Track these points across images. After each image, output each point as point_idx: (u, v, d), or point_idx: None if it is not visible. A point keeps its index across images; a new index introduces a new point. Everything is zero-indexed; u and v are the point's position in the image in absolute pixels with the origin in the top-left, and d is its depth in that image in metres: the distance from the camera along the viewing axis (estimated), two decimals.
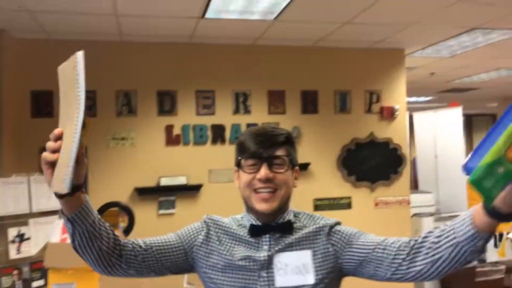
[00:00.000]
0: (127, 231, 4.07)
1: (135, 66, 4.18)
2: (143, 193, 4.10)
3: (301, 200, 4.42)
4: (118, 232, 2.95)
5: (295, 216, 1.35)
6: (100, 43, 4.08)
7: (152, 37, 4.10)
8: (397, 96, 4.82)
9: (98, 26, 3.74)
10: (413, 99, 8.78)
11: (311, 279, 1.24)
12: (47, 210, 3.62)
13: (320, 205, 4.55)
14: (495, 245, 5.21)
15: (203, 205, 4.26)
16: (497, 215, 1.00)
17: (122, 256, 1.23)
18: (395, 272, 1.20)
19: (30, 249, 3.42)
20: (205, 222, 1.39)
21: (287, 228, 1.30)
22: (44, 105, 3.96)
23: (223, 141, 4.33)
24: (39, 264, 3.42)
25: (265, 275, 1.25)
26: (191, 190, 4.21)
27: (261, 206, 1.26)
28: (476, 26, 4.12)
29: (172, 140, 4.22)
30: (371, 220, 4.58)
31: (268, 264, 1.26)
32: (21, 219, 3.41)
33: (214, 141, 4.31)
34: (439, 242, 1.13)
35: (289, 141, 1.32)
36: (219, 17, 3.59)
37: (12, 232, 3.37)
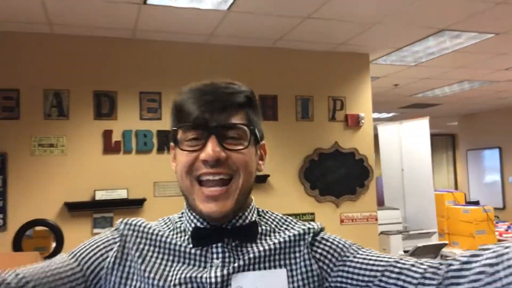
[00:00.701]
0: (54, 254, 3.45)
1: (68, 62, 3.64)
2: (75, 208, 3.51)
3: None
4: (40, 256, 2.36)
5: (259, 216, 0.92)
6: (27, 35, 3.53)
7: (87, 29, 3.58)
8: (362, 103, 4.48)
9: (23, 10, 3.20)
10: (376, 115, 8.58)
11: None
12: None
13: None
14: None
15: None
16: None
17: None
18: None
19: None
20: (118, 230, 0.89)
21: (249, 233, 0.86)
22: None
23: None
24: None
25: None
26: (132, 205, 3.65)
27: (207, 207, 0.81)
28: (444, 27, 3.85)
29: (110, 147, 3.67)
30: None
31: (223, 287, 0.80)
32: None
33: (160, 149, 3.80)
34: (495, 272, 0.69)
35: (250, 102, 0.86)
36: (165, 3, 3.13)
37: None
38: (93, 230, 3.57)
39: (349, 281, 0.83)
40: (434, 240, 4.89)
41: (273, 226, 0.91)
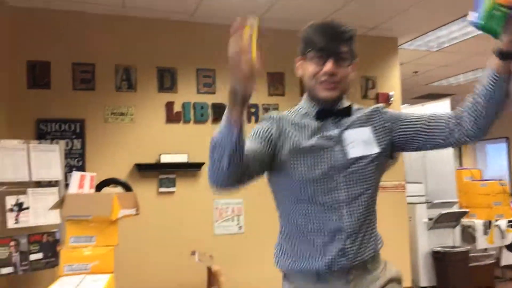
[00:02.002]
0: None
1: (136, 41, 4.09)
2: (143, 169, 3.96)
3: None
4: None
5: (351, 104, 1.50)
6: (101, 16, 3.98)
7: (155, 12, 4.04)
8: (392, 83, 4.93)
9: None
10: None
11: (375, 149, 1.39)
12: (46, 181, 3.43)
13: None
14: (485, 233, 5.32)
15: (204, 184, 4.14)
16: (505, 55, 1.25)
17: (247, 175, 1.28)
18: (447, 137, 1.38)
19: (28, 220, 3.21)
20: (271, 118, 1.45)
21: (347, 112, 1.44)
22: (41, 76, 3.80)
23: None
24: (37, 236, 3.23)
25: (338, 149, 1.38)
26: (192, 168, 4.10)
27: (324, 94, 1.38)
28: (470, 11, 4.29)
29: (172, 117, 4.12)
30: None
31: (339, 140, 1.39)
32: (19, 188, 3.21)
33: (215, 120, 4.24)
34: (474, 100, 1.33)
35: (353, 37, 1.41)
36: None
37: (10, 201, 3.17)
38: (159, 189, 4.01)
39: (407, 129, 1.42)
40: (455, 209, 5.33)
41: (358, 108, 1.49)
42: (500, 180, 5.62)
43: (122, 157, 3.95)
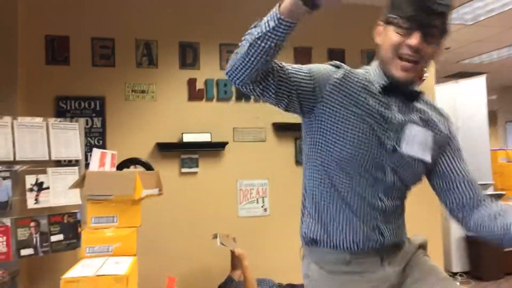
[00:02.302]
0: None
1: (157, 14, 3.91)
2: (165, 149, 3.81)
3: None
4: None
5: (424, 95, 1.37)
6: None
7: None
8: None
9: None
10: None
11: (428, 157, 1.30)
12: (66, 160, 3.32)
13: None
14: None
15: (228, 164, 3.99)
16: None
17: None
18: (453, 208, 1.36)
19: (49, 199, 3.11)
20: (338, 66, 1.33)
21: (415, 96, 1.32)
22: (60, 51, 3.66)
23: (248, 98, 4.08)
24: (58, 217, 3.13)
25: (392, 135, 1.27)
26: (215, 148, 3.93)
27: (398, 74, 1.23)
28: None
29: (195, 94, 3.95)
30: None
31: (399, 128, 1.28)
32: (39, 167, 3.10)
33: (238, 98, 4.06)
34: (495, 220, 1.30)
35: (449, 12, 1.23)
36: None
37: (30, 180, 3.06)
38: (181, 169, 3.86)
39: (444, 166, 1.37)
40: (490, 192, 5.08)
41: (427, 101, 1.38)
42: None
43: (143, 136, 3.80)
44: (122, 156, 3.72)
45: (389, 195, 1.31)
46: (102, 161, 2.49)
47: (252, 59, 1.13)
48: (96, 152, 2.45)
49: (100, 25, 3.75)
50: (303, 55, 4.27)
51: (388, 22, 1.24)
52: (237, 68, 1.18)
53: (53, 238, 3.08)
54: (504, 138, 9.83)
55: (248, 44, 1.14)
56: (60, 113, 3.58)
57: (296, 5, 1.06)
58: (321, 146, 1.30)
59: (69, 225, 3.16)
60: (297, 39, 4.24)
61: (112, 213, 2.33)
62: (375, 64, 1.34)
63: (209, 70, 4.01)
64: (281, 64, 1.23)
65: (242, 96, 4.07)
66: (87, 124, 3.65)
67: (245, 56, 1.15)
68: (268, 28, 1.11)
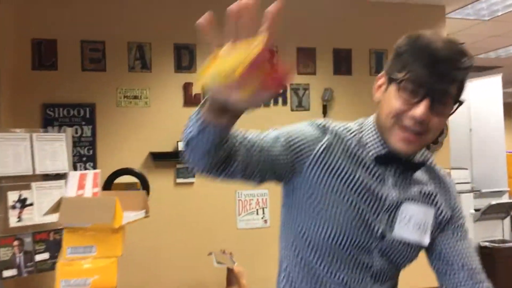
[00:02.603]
0: None
1: (149, 15, 3.68)
2: (159, 158, 3.61)
3: None
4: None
5: (424, 156, 1.12)
6: None
7: None
8: None
9: None
10: None
11: (426, 240, 1.08)
12: (52, 173, 3.14)
13: None
14: None
15: None
16: None
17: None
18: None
19: (33, 217, 2.92)
20: (325, 130, 1.05)
21: (415, 167, 1.08)
22: (47, 55, 3.46)
23: None
24: (43, 234, 2.95)
25: (386, 216, 1.05)
26: None
27: (398, 145, 0.99)
28: None
29: (191, 100, 3.73)
30: None
31: (393, 209, 1.05)
32: (22, 182, 2.92)
33: None
34: None
35: (467, 76, 0.98)
36: None
37: (12, 197, 2.87)
38: (176, 180, 3.67)
39: (440, 246, 1.12)
40: (505, 199, 4.81)
41: (431, 169, 1.12)
42: None
43: (136, 144, 3.61)
44: (114, 166, 3.54)
45: (377, 280, 1.09)
46: (81, 184, 2.30)
47: (195, 152, 0.90)
48: (74, 175, 2.26)
49: (90, 27, 3.54)
50: (307, 57, 4.02)
51: (392, 80, 0.98)
52: (186, 156, 0.94)
53: (38, 257, 2.91)
54: None
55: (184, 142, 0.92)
56: (48, 122, 3.39)
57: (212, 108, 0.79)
58: (297, 224, 1.07)
59: (55, 242, 2.98)
60: (300, 39, 4.00)
61: (90, 242, 2.14)
62: (371, 121, 1.08)
63: None
64: (248, 139, 0.95)
65: None
66: (76, 133, 3.47)
67: (185, 147, 0.92)
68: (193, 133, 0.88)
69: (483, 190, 4.74)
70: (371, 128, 1.06)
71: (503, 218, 4.73)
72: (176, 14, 3.74)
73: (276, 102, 3.92)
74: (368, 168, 1.04)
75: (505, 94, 10.53)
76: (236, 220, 3.80)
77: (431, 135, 0.98)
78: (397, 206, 1.05)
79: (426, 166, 1.11)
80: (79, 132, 3.49)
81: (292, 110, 3.96)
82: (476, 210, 4.60)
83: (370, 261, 1.06)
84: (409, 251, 1.08)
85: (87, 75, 3.53)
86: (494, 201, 4.54)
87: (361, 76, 4.13)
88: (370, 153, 1.04)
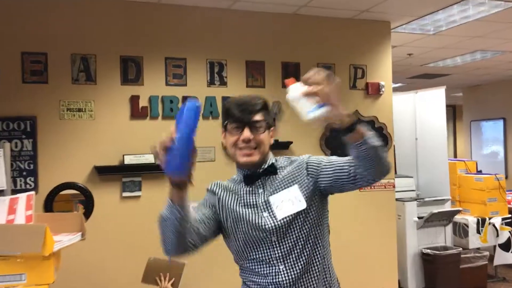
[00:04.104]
0: (85, 216, 3.53)
1: (94, 26, 3.61)
2: (104, 172, 3.56)
3: None
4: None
5: (276, 160, 1.64)
6: None
7: None
8: (383, 71, 4.51)
9: None
10: None
11: (303, 204, 1.52)
12: None
13: None
14: (478, 231, 5.03)
15: None
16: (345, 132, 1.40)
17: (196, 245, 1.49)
18: (355, 179, 1.46)
19: None
20: (209, 189, 1.65)
21: (272, 170, 1.59)
22: None
23: None
24: None
25: (266, 214, 1.53)
26: (159, 170, 3.67)
27: (244, 159, 1.54)
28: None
29: (138, 113, 3.69)
30: (355, 204, 4.25)
31: (266, 206, 1.55)
32: None
33: None
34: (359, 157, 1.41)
35: (265, 107, 1.57)
36: None
37: None
38: (123, 193, 3.63)
39: (325, 179, 1.53)
40: (447, 207, 5.01)
41: (284, 164, 1.62)
42: (496, 174, 5.28)
43: (80, 158, 3.54)
44: (57, 181, 3.47)
45: (289, 269, 1.52)
46: (11, 208, 2.24)
47: (169, 241, 1.44)
48: (3, 201, 2.19)
49: (31, 38, 3.44)
50: (255, 70, 4.05)
51: (225, 128, 1.56)
52: (165, 250, 1.49)
53: None
54: (468, 136, 9.87)
55: (160, 229, 1.47)
56: None
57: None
58: (230, 240, 1.59)
59: None
60: (249, 53, 4.03)
61: (19, 270, 2.08)
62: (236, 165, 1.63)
63: (154, 86, 3.75)
64: (195, 227, 1.47)
65: None
66: (16, 147, 3.37)
67: (162, 239, 1.48)
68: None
69: (426, 199, 4.92)
70: (236, 168, 1.63)
71: (445, 225, 4.93)
72: (122, 26, 3.68)
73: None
74: (244, 190, 1.58)
75: (455, 98, 10.97)
76: None
77: (262, 147, 1.54)
78: (267, 203, 1.54)
79: (283, 163, 1.61)
80: (19, 146, 3.39)
81: None
82: (419, 217, 4.78)
83: (273, 243, 1.51)
84: (299, 220, 1.51)
85: (28, 88, 3.43)
86: (436, 210, 4.72)
87: None
88: (241, 181, 1.59)
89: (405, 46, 5.62)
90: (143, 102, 3.71)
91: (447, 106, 13.46)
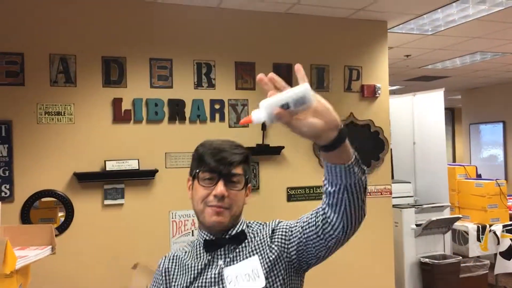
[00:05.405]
0: (64, 225, 3.35)
1: (74, 25, 3.43)
2: (85, 179, 3.37)
3: (273, 189, 3.83)
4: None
5: (247, 226, 1.36)
6: None
7: None
8: (379, 73, 4.33)
9: None
10: None
11: (262, 282, 1.22)
12: None
13: (294, 194, 3.98)
14: (478, 239, 4.84)
15: (158, 194, 3.58)
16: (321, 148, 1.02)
17: None
18: (326, 241, 1.17)
19: None
20: (159, 267, 1.41)
21: (241, 238, 1.31)
22: None
23: (182, 119, 3.66)
24: None
25: None
26: (143, 177, 3.52)
27: (213, 219, 1.27)
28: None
29: (120, 116, 3.50)
30: None
31: (218, 280, 1.26)
32: None
33: (171, 119, 3.64)
34: (331, 195, 1.11)
35: (247, 160, 1.33)
36: None
37: None
38: (104, 201, 3.44)
39: (293, 249, 1.25)
40: (446, 214, 4.83)
41: (257, 231, 1.33)
42: (496, 179, 5.10)
43: (59, 165, 3.35)
44: (34, 188, 3.29)
45: None
46: None
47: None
48: None
49: (6, 38, 3.26)
50: (245, 71, 3.87)
51: (194, 177, 1.30)
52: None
53: None
54: (467, 140, 9.71)
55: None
56: None
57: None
58: None
59: None
60: (238, 53, 3.85)
61: None
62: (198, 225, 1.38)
63: (138, 88, 3.57)
64: None
65: (175, 117, 3.65)
66: None
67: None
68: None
69: (424, 205, 4.74)
70: (198, 230, 1.37)
71: (444, 233, 4.75)
72: (104, 24, 3.50)
73: (213, 119, 3.75)
74: (200, 260, 1.30)
75: (453, 100, 10.81)
76: (170, 242, 3.61)
77: (235, 207, 1.28)
78: (220, 276, 1.25)
79: (249, 229, 1.33)
80: None
81: (230, 126, 3.80)
82: (417, 225, 4.59)
83: None
84: None
85: (2, 90, 3.24)
86: (434, 217, 4.54)
87: None
88: (199, 246, 1.33)
89: (402, 47, 5.45)
90: (126, 105, 3.52)
91: (446, 109, 13.38)
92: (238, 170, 1.28)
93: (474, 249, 4.81)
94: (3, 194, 3.21)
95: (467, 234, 4.86)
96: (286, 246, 1.25)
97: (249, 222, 1.37)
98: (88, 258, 3.37)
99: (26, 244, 2.26)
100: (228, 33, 3.84)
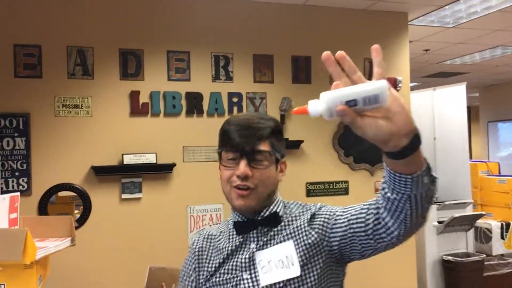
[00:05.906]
0: (82, 219, 3.31)
1: (92, 17, 3.40)
2: (102, 173, 3.33)
3: (292, 184, 3.76)
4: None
5: (284, 207, 1.25)
6: None
7: None
8: (400, 66, 4.23)
9: None
10: None
11: (296, 271, 1.11)
12: None
13: (313, 189, 3.90)
14: (502, 237, 4.71)
15: (176, 188, 3.53)
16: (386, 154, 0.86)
17: None
18: (376, 242, 1.06)
19: None
20: (193, 244, 1.32)
21: (273, 220, 1.20)
22: None
23: (200, 112, 3.61)
24: None
25: (247, 276, 1.16)
26: (161, 171, 3.47)
27: (238, 202, 1.18)
28: None
29: (138, 109, 3.46)
30: None
31: (249, 264, 1.17)
32: None
33: (189, 112, 3.59)
34: (391, 201, 0.95)
35: (275, 133, 1.20)
36: None
37: None
38: (122, 195, 3.39)
39: (336, 239, 1.13)
40: (469, 211, 4.71)
41: (296, 213, 1.22)
42: None
43: (76, 158, 3.32)
44: (52, 182, 3.26)
45: None
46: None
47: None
48: (5, 199, 1.97)
49: (24, 30, 3.24)
50: (264, 64, 3.80)
51: (219, 154, 1.21)
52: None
53: None
54: (485, 138, 9.53)
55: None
56: None
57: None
58: None
59: None
60: (257, 46, 3.78)
61: None
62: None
63: (155, 81, 3.52)
64: None
65: (193, 110, 3.59)
66: (7, 145, 3.15)
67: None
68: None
69: (446, 202, 4.62)
70: (231, 210, 1.26)
71: (467, 230, 4.63)
72: (122, 17, 3.46)
73: (231, 112, 3.69)
74: (232, 242, 1.21)
75: (470, 98, 10.62)
76: (187, 237, 3.55)
77: (262, 187, 1.16)
78: (251, 260, 1.16)
79: (287, 210, 1.23)
80: (11, 144, 3.17)
81: None
82: (439, 222, 4.48)
83: None
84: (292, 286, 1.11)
85: (20, 82, 3.22)
86: (457, 214, 4.42)
87: (321, 84, 3.93)
88: (230, 228, 1.24)
89: (421, 41, 5.34)
90: (143, 98, 3.47)
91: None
92: (264, 146, 1.15)
93: (498, 247, 4.68)
94: (20, 187, 3.18)
95: (490, 232, 4.73)
96: (327, 234, 1.14)
97: (287, 203, 1.25)
98: (106, 252, 3.33)
99: (45, 236, 2.22)
100: (245, 26, 3.78)
